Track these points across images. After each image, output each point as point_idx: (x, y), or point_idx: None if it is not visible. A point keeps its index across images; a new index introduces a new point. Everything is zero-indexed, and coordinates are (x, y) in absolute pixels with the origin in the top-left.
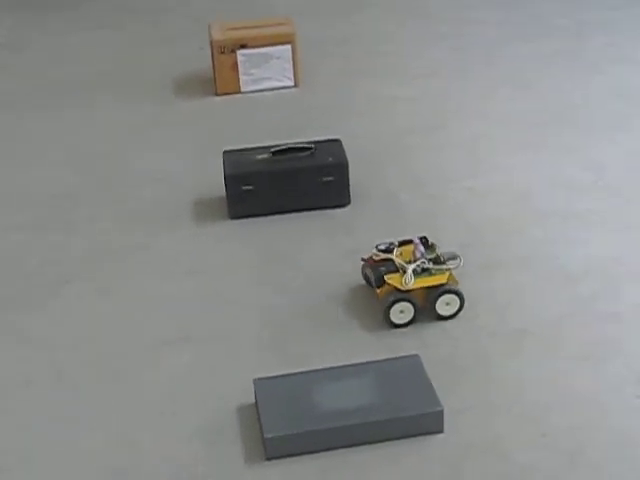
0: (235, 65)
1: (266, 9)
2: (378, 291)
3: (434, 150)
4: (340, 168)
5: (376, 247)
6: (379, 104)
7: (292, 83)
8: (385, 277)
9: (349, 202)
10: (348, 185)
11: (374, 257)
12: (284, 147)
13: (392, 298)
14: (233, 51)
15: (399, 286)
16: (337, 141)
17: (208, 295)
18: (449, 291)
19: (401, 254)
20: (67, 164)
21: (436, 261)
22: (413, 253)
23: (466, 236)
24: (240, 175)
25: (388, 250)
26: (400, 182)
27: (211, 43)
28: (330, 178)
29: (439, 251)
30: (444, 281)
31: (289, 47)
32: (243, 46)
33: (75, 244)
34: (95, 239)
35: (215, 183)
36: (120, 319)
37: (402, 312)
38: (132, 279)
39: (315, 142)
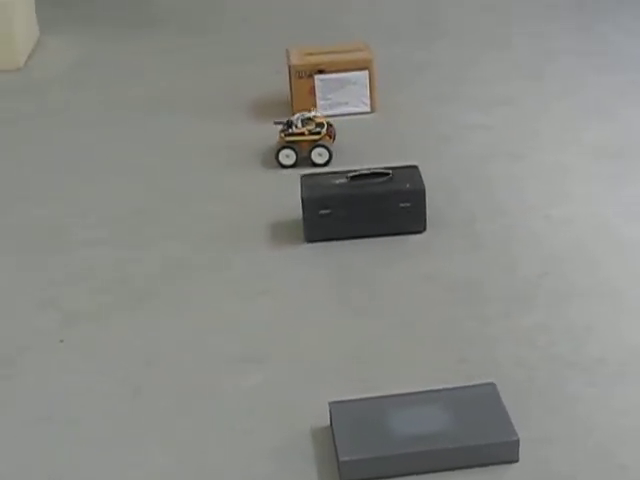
0: (312, 89)
1: (342, 34)
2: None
3: (512, 178)
4: (417, 194)
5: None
6: (456, 131)
7: (368, 109)
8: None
9: (425, 229)
10: (425, 212)
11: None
12: (362, 172)
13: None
14: (311, 76)
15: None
16: (414, 167)
17: (284, 316)
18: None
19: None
20: (144, 181)
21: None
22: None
23: (543, 265)
24: (317, 199)
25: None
26: (477, 210)
27: (289, 68)
28: (407, 204)
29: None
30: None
31: (366, 73)
32: (321, 71)
33: (150, 261)
34: (170, 257)
35: (291, 206)
36: (194, 337)
37: (287, 157)
38: (207, 298)
39: (392, 168)
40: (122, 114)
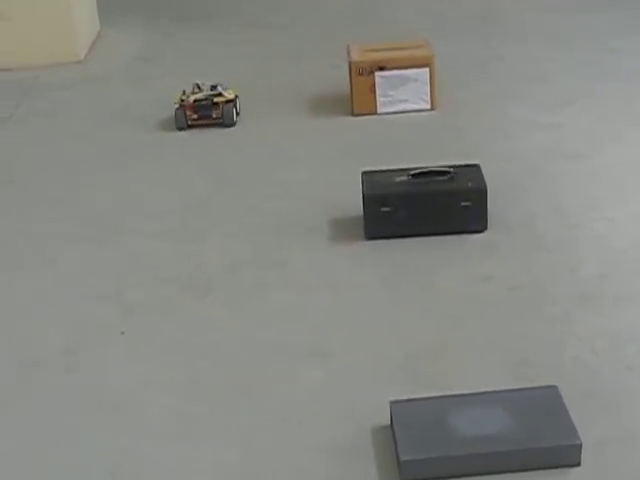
0: (373, 86)
1: (403, 30)
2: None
3: (575, 178)
4: (479, 193)
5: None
6: (518, 129)
7: (429, 106)
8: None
9: (486, 228)
10: (486, 211)
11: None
12: (423, 170)
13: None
14: (371, 72)
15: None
16: (476, 166)
17: (343, 313)
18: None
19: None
20: (203, 175)
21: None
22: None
23: (605, 267)
24: (379, 196)
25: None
26: (539, 209)
27: (350, 64)
28: (468, 203)
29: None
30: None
31: (427, 70)
32: (381, 68)
33: (210, 255)
34: (230, 251)
35: (351, 202)
36: (253, 331)
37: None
38: (267, 293)
39: (454, 166)
40: None
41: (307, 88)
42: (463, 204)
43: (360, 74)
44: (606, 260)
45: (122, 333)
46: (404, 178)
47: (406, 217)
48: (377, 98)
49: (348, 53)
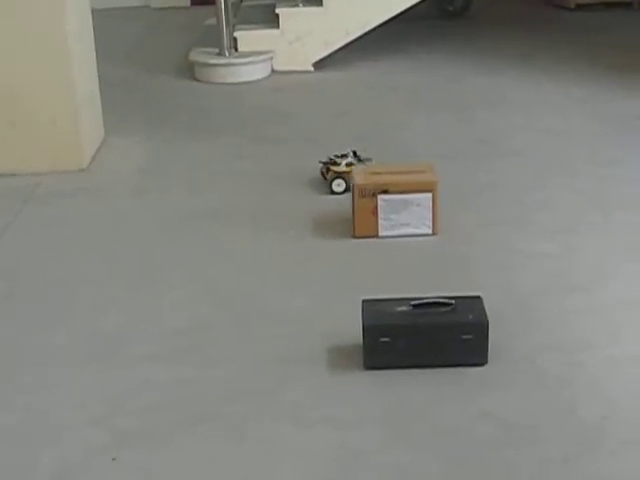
0: (375, 209)
1: (406, 151)
2: (327, 175)
3: (576, 313)
4: (480, 327)
5: (329, 158)
6: (519, 259)
7: (430, 231)
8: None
9: (487, 361)
10: (487, 345)
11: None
12: (425, 301)
13: (333, 176)
14: (374, 195)
15: (337, 169)
16: (478, 298)
17: (340, 449)
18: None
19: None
20: (205, 297)
21: (359, 161)
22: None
23: (605, 407)
24: (379, 327)
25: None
26: (540, 345)
27: (353, 187)
28: (469, 336)
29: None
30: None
31: (430, 195)
32: (385, 191)
33: (209, 381)
34: (227, 380)
35: (350, 330)
36: (249, 466)
37: (339, 185)
38: (263, 424)
39: (456, 297)
40: (182, 225)
41: (310, 209)
42: (464, 337)
43: (363, 196)
44: (605, 400)
45: (113, 459)
46: (405, 308)
47: (406, 348)
48: (379, 221)
49: (352, 175)
